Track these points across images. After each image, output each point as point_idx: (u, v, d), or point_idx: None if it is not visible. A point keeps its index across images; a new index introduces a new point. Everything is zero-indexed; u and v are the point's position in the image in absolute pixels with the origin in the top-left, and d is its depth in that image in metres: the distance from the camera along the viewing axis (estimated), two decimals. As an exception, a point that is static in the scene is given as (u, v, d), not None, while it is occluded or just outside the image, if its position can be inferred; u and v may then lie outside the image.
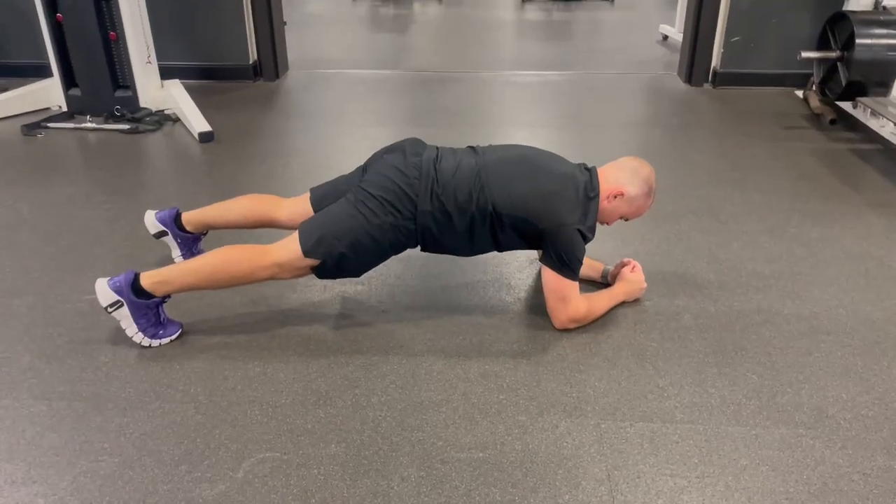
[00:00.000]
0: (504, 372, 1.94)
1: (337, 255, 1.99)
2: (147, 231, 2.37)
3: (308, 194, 2.24)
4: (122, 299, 1.95)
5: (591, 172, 2.12)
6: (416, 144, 2.15)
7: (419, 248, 2.11)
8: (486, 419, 1.78)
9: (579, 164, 2.16)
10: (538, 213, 2.00)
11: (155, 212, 2.35)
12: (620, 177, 2.11)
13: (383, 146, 2.21)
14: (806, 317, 2.19)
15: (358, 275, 2.13)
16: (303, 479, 1.60)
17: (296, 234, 2.02)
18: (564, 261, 2.01)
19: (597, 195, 2.07)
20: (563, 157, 2.19)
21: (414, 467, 1.63)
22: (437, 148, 2.15)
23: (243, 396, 1.85)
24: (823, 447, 1.69)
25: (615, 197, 2.09)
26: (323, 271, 2.04)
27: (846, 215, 2.84)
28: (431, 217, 2.01)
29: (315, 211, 2.17)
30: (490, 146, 2.19)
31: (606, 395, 1.86)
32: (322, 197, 2.20)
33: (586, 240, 2.04)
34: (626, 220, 2.20)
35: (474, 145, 2.19)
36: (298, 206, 2.23)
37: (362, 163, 2.22)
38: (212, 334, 2.10)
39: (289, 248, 2.00)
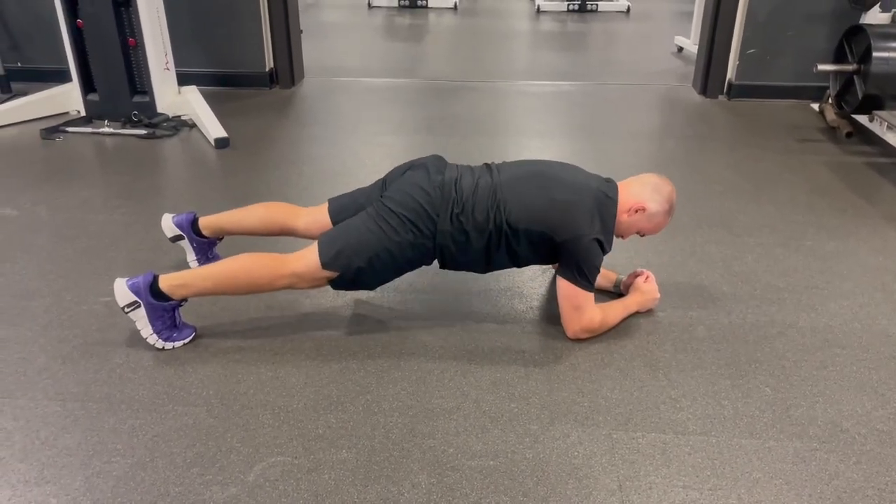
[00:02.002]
0: (516, 380, 1.94)
1: (355, 269, 2.01)
2: (163, 234, 2.38)
3: (326, 204, 2.25)
4: (139, 300, 1.97)
5: (609, 183, 2.12)
6: (438, 162, 2.16)
7: (436, 264, 2.13)
8: (498, 427, 1.77)
9: (597, 176, 2.16)
10: (554, 225, 2.00)
11: (172, 215, 2.37)
12: (643, 192, 2.11)
13: (404, 160, 2.22)
14: (821, 330, 2.18)
15: (372, 288, 2.16)
16: (313, 484, 1.60)
17: (315, 246, 2.03)
18: (581, 270, 2.01)
19: (615, 206, 2.07)
20: (580, 167, 2.19)
21: (425, 474, 1.63)
22: (458, 167, 2.16)
23: (255, 400, 1.86)
24: (838, 461, 1.68)
25: (636, 212, 2.09)
26: (339, 283, 2.06)
27: (862, 229, 2.82)
28: (450, 237, 2.03)
29: (333, 222, 2.19)
30: (505, 163, 2.20)
31: (619, 406, 1.85)
32: (340, 209, 2.21)
33: (604, 250, 2.04)
34: (642, 235, 2.20)
35: (490, 163, 2.19)
36: (316, 216, 2.24)
37: (381, 175, 2.23)
38: (225, 338, 2.11)
39: (307, 258, 2.02)
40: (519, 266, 2.17)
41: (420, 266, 2.12)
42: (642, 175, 2.18)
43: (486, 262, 2.10)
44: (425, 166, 2.12)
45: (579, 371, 1.98)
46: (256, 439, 1.73)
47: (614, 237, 2.13)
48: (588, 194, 2.04)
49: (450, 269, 2.14)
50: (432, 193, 2.03)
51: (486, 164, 2.18)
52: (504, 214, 2.01)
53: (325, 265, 2.00)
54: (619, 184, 2.13)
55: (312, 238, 2.20)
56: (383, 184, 2.19)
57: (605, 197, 2.06)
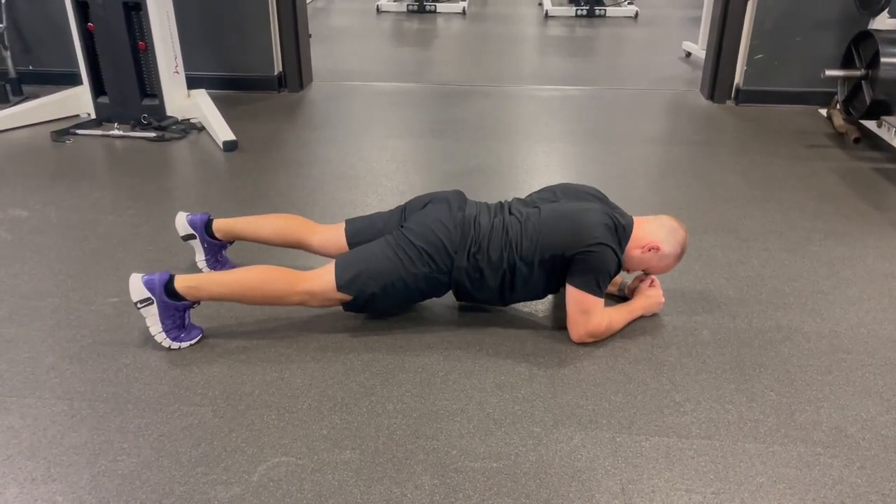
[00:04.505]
0: (520, 383, 1.95)
1: (369, 294, 2.04)
2: (173, 233, 2.40)
3: (343, 224, 2.27)
4: (153, 297, 1.99)
5: (621, 213, 2.16)
6: (459, 198, 2.20)
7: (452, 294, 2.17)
8: (501, 430, 1.78)
9: (610, 203, 2.21)
10: (565, 243, 2.03)
11: (187, 214, 2.39)
12: (659, 233, 2.14)
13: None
14: (826, 335, 2.17)
15: (383, 313, 2.19)
16: (317, 485, 1.61)
17: (331, 266, 2.06)
18: (594, 276, 2.02)
19: (629, 231, 2.11)
20: (592, 195, 2.21)
21: (428, 475, 1.64)
22: (476, 204, 2.20)
23: (260, 401, 1.87)
24: (842, 466, 1.67)
25: (649, 250, 2.12)
26: (352, 306, 2.09)
27: (869, 235, 2.81)
28: (466, 273, 2.07)
29: (348, 243, 2.22)
30: (516, 199, 2.25)
31: (622, 409, 1.85)
32: (357, 231, 2.23)
33: (619, 261, 2.07)
34: (647, 273, 2.23)
35: (503, 201, 2.24)
36: (332, 235, 2.27)
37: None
38: (231, 339, 2.12)
39: (323, 279, 2.04)
40: (538, 298, 2.22)
41: (431, 297, 2.17)
42: (660, 216, 2.22)
43: (502, 297, 2.15)
44: (447, 201, 2.16)
45: (583, 374, 1.99)
46: (261, 439, 1.74)
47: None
48: (600, 215, 2.07)
49: (466, 301, 2.18)
50: (453, 231, 2.06)
51: (500, 203, 2.23)
52: (517, 252, 2.05)
53: (340, 287, 2.03)
54: (634, 218, 2.17)
55: (325, 256, 2.23)
56: (402, 212, 2.22)
57: (618, 220, 2.09)
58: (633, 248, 2.12)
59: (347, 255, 2.13)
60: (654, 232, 2.14)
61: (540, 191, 2.28)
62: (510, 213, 2.15)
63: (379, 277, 2.04)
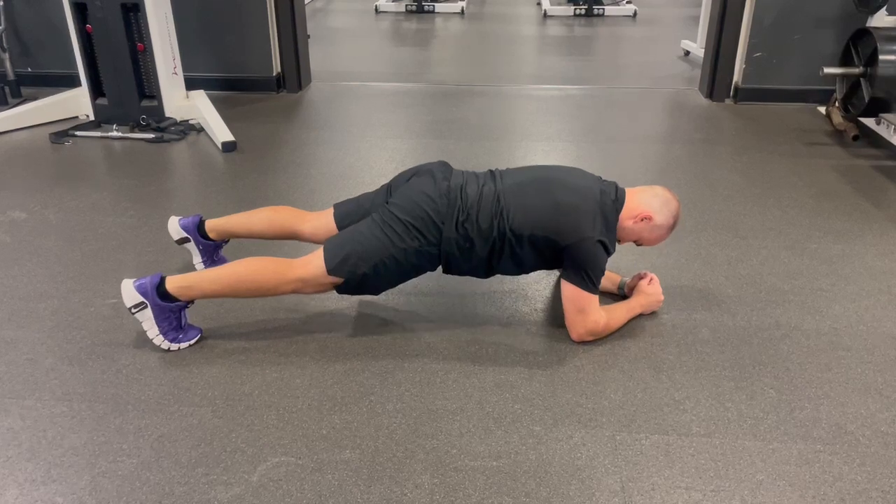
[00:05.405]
0: (519, 382, 1.95)
1: (360, 275, 2.02)
2: (170, 237, 2.40)
3: (332, 209, 2.26)
4: (146, 301, 1.99)
5: (615, 186, 2.13)
6: (444, 169, 2.17)
7: (440, 270, 2.14)
8: (501, 428, 1.78)
9: (601, 178, 2.17)
10: (558, 230, 2.01)
11: (178, 218, 2.39)
12: (653, 203, 2.12)
13: (411, 164, 2.23)
14: (826, 332, 2.17)
15: (377, 293, 2.17)
16: (317, 484, 1.61)
17: (320, 251, 2.04)
18: (586, 273, 2.01)
19: (620, 209, 2.09)
20: (584, 170, 2.20)
21: (427, 474, 1.64)
22: (463, 173, 2.17)
23: (260, 401, 1.87)
24: (842, 463, 1.68)
25: (642, 220, 2.10)
26: (345, 289, 2.07)
27: (868, 232, 2.81)
28: (455, 244, 2.04)
29: (338, 227, 2.20)
30: (509, 169, 2.21)
31: (622, 407, 1.85)
32: (346, 214, 2.22)
33: (608, 252, 2.05)
34: (639, 244, 2.21)
35: (494, 169, 2.20)
36: (321, 221, 2.26)
37: (387, 178, 2.24)
38: (231, 340, 2.12)
39: (313, 264, 2.03)
40: (524, 272, 2.18)
41: (425, 272, 2.14)
42: (654, 186, 2.20)
43: (489, 268, 2.12)
44: (431, 173, 2.13)
45: (583, 373, 1.99)
46: (261, 440, 1.74)
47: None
48: (591, 196, 2.05)
49: (454, 274, 2.15)
50: (438, 201, 2.04)
51: (490, 171, 2.19)
52: (508, 222, 2.02)
53: (330, 271, 2.01)
54: (627, 190, 2.15)
55: (318, 242, 2.21)
56: (388, 190, 2.20)
57: (608, 199, 2.06)
58: (626, 219, 2.10)
59: (335, 237, 2.10)
60: (647, 202, 2.12)
61: (531, 166, 2.26)
62: (502, 181, 2.11)
63: (369, 257, 2.01)
